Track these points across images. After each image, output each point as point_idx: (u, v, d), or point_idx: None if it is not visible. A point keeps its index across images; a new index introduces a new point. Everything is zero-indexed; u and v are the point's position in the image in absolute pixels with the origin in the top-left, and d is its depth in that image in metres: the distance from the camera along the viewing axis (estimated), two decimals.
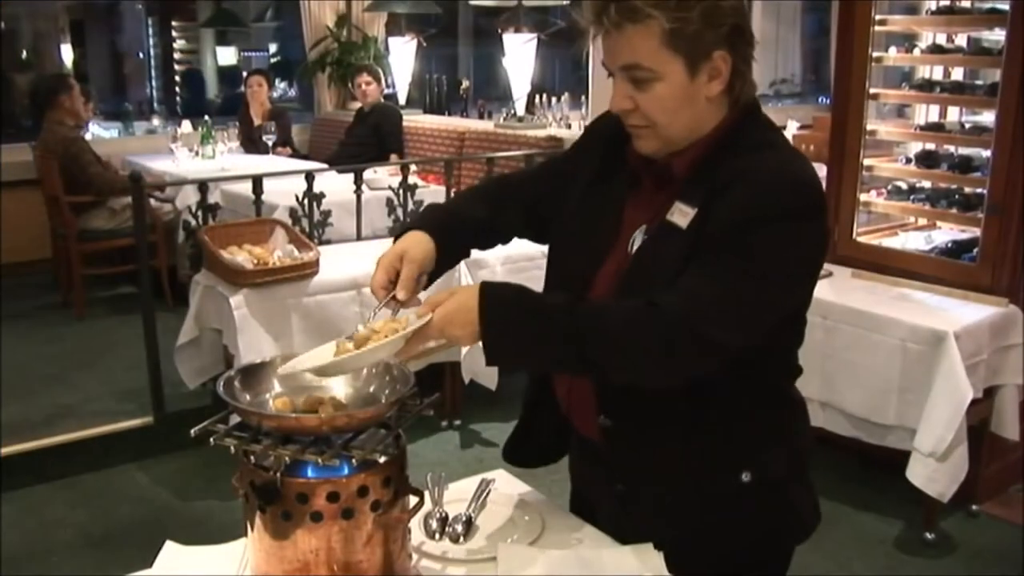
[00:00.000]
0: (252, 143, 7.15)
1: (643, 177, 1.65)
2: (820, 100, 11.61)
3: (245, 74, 7.97)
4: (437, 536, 1.70)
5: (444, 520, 1.72)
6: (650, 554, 1.64)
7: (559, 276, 1.73)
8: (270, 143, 6.84)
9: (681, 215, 1.54)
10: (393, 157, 6.78)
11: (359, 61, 7.84)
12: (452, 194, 4.95)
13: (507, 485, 1.92)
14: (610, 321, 1.47)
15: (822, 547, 3.47)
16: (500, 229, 1.85)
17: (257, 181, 4.42)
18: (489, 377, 4.21)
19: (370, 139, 7.01)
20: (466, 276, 4.18)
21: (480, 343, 1.48)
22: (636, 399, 1.59)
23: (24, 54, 10.18)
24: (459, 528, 1.71)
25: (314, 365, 1.48)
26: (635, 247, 1.60)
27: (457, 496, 1.83)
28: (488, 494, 1.84)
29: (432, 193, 5.09)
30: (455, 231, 1.74)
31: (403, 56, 8.09)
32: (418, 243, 1.65)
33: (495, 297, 1.47)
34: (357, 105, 7.40)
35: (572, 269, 1.69)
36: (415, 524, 1.62)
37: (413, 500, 1.51)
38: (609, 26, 1.48)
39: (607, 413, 1.65)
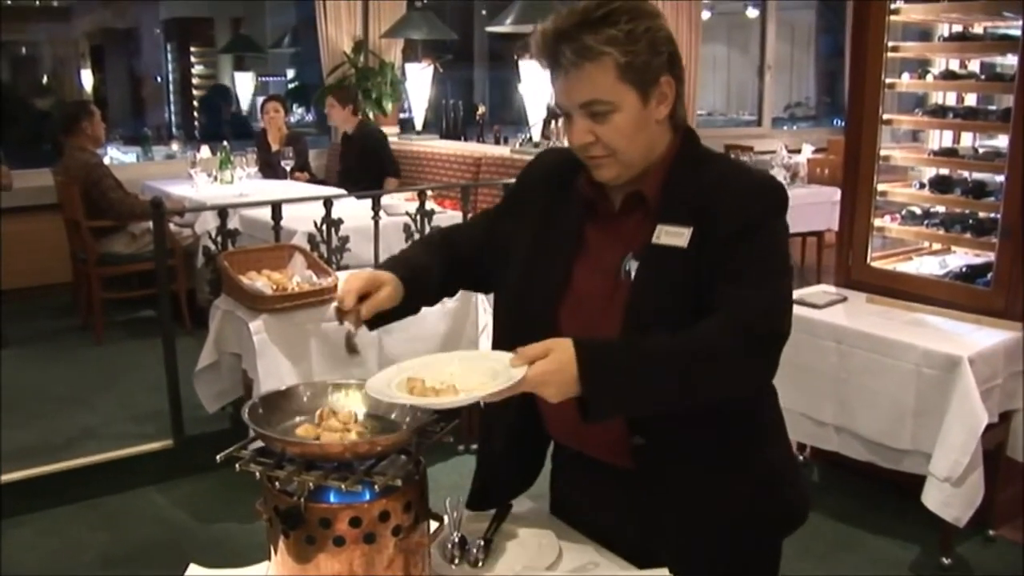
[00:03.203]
0: (270, 168, 7.22)
1: (600, 205, 1.73)
2: (835, 122, 11.63)
3: (261, 100, 8.03)
4: (456, 561, 1.73)
5: (462, 544, 1.75)
6: None
7: (517, 313, 1.78)
8: (288, 168, 6.90)
9: (672, 236, 1.63)
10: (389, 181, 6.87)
11: (376, 86, 7.92)
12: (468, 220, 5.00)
13: (524, 509, 1.95)
14: (705, 345, 1.55)
15: (838, 571, 3.48)
16: (451, 285, 1.91)
17: (276, 207, 4.46)
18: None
19: (357, 162, 7.06)
20: (482, 301, 4.22)
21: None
22: (666, 414, 1.65)
23: (44, 79, 10.29)
24: (477, 552, 1.74)
25: (413, 400, 1.49)
26: (632, 274, 1.66)
27: (475, 521, 1.86)
28: (506, 518, 1.87)
29: (449, 219, 5.14)
30: (419, 287, 1.78)
31: (419, 81, 8.16)
32: (393, 284, 1.70)
33: (594, 357, 1.50)
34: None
35: (532, 303, 1.74)
36: (434, 548, 1.65)
37: (433, 525, 1.54)
38: (567, 66, 1.58)
39: (641, 432, 1.69)
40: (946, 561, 3.53)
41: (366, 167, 7.03)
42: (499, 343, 1.70)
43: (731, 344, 1.54)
